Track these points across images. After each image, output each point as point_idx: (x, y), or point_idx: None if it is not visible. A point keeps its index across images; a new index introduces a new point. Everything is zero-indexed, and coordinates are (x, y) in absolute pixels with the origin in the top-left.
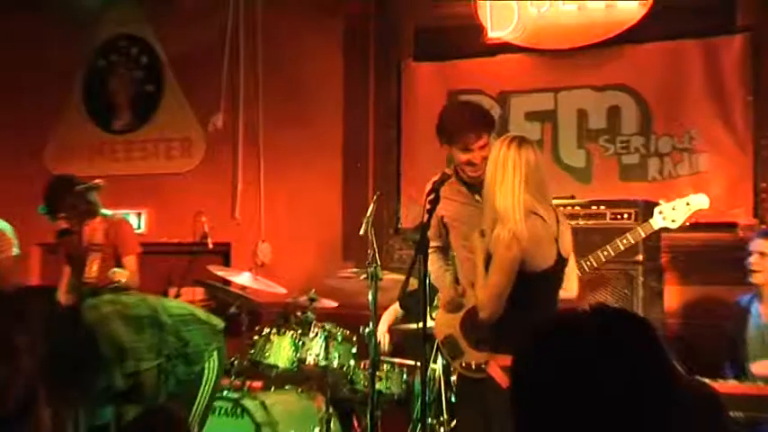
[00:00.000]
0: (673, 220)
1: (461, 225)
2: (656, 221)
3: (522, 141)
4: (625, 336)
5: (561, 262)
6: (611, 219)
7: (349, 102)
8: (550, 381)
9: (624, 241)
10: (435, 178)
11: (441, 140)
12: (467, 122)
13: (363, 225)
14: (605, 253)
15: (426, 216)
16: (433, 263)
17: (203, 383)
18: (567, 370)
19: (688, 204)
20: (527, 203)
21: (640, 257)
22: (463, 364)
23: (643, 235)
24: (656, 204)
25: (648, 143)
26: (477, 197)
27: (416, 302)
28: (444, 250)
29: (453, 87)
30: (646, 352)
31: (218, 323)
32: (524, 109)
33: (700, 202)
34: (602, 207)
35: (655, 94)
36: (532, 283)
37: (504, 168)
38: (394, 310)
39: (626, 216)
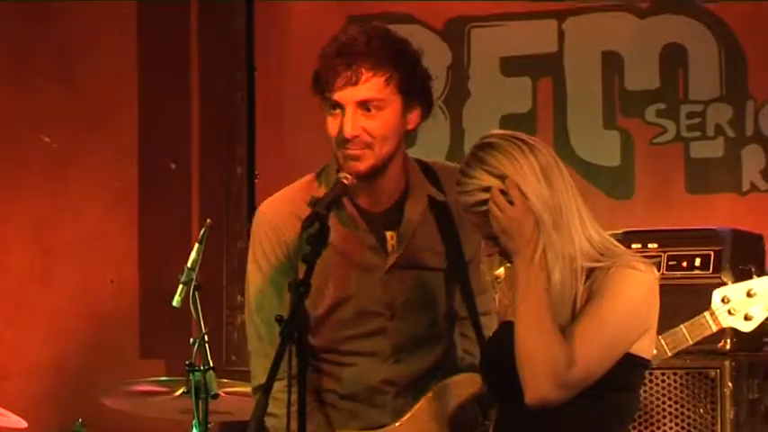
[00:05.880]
0: (747, 317)
1: (353, 299)
2: (720, 316)
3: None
4: None
5: None
6: (669, 269)
7: (146, 51)
8: None
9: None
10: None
11: (315, 93)
12: (345, 42)
13: (180, 287)
14: None
15: (303, 267)
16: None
17: None
18: None
19: None
20: None
21: (727, 344)
22: None
23: (690, 341)
24: (757, 238)
25: (741, 117)
26: (376, 241)
27: None
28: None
29: (356, 12)
30: None
31: None
32: (499, 52)
33: None
34: (654, 245)
35: (753, 22)
36: (634, 384)
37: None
38: None
39: (697, 264)
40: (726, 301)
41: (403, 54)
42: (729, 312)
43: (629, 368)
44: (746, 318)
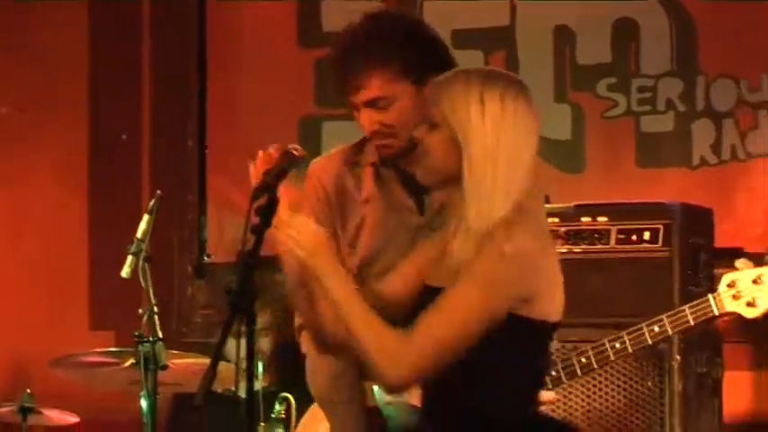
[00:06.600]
0: (750, 303)
1: (387, 255)
2: (725, 300)
3: (521, 86)
4: None
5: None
6: (618, 242)
7: (98, 21)
8: None
9: (652, 331)
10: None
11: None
12: (342, 48)
13: (129, 258)
14: (613, 345)
15: (252, 239)
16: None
17: None
18: None
19: None
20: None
21: None
22: None
23: (692, 322)
24: (706, 212)
25: (692, 92)
26: (414, 204)
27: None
28: None
29: None
30: None
31: None
32: (451, 24)
33: None
34: (604, 218)
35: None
36: (534, 344)
37: (515, 131)
38: None
39: (647, 238)
40: (732, 285)
41: (405, 44)
42: (734, 297)
43: (522, 331)
44: (749, 304)
